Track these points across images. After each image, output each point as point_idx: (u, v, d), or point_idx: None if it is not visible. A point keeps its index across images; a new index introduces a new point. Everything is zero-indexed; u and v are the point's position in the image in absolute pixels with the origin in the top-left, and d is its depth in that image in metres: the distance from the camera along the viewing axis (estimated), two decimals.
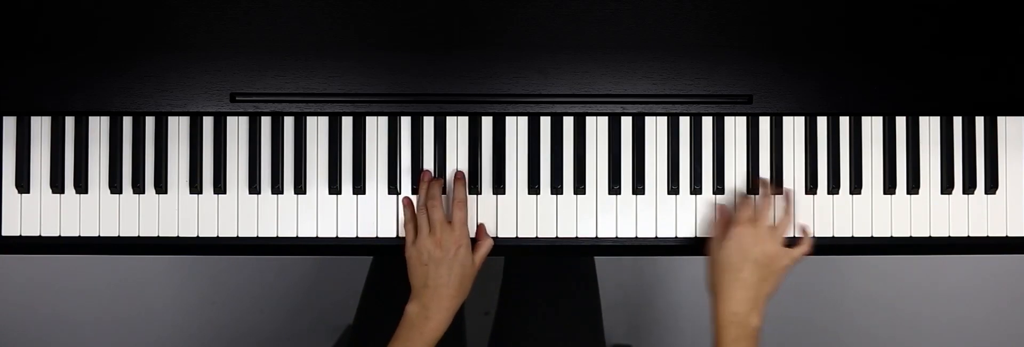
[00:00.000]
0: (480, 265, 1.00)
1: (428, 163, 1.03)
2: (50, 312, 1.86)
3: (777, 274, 0.95)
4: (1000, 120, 1.04)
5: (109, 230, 1.02)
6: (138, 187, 1.02)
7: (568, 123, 1.03)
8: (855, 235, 1.04)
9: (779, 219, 1.00)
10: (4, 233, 1.03)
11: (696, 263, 1.87)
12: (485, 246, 1.00)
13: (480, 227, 1.02)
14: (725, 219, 1.00)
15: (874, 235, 1.04)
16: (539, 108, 1.01)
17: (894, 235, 1.04)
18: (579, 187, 1.03)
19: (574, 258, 1.30)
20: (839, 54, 1.01)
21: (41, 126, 1.03)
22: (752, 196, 1.02)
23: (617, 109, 1.02)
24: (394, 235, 1.02)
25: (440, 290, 0.95)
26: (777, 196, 1.02)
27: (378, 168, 1.03)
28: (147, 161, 1.02)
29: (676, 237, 1.03)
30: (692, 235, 1.03)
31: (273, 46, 1.00)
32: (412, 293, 0.97)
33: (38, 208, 1.02)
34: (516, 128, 1.03)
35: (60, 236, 1.02)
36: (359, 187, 1.02)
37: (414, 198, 1.02)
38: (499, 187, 1.02)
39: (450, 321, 0.97)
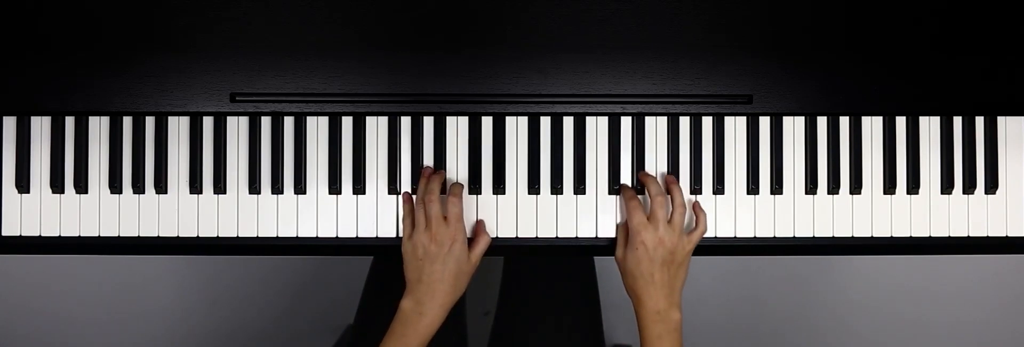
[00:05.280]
0: (477, 262, 0.99)
1: (428, 163, 1.03)
2: (50, 312, 1.86)
3: (684, 263, 0.98)
4: (1000, 120, 1.04)
5: (109, 230, 1.02)
6: (138, 187, 1.02)
7: (568, 123, 1.03)
8: (855, 235, 1.04)
9: (673, 212, 0.98)
10: (4, 233, 1.03)
11: (694, 263, 1.87)
12: (482, 243, 1.00)
13: (479, 224, 1.02)
14: (625, 224, 0.99)
15: (874, 235, 1.04)
16: (539, 108, 1.01)
17: (894, 235, 1.04)
18: (579, 187, 1.03)
19: (574, 258, 1.30)
20: (839, 54, 1.01)
21: (41, 126, 1.03)
22: (641, 195, 1.01)
23: (617, 109, 1.02)
24: (394, 235, 1.02)
25: (434, 286, 0.95)
26: (659, 189, 0.99)
27: (378, 168, 1.03)
28: (147, 161, 1.02)
29: None
30: None
31: (273, 46, 1.00)
32: (407, 288, 0.97)
33: (38, 208, 1.02)
34: (516, 128, 1.03)
35: (60, 236, 1.02)
36: (359, 187, 1.02)
37: (413, 194, 1.02)
38: (499, 187, 1.02)
39: (444, 317, 0.97)
